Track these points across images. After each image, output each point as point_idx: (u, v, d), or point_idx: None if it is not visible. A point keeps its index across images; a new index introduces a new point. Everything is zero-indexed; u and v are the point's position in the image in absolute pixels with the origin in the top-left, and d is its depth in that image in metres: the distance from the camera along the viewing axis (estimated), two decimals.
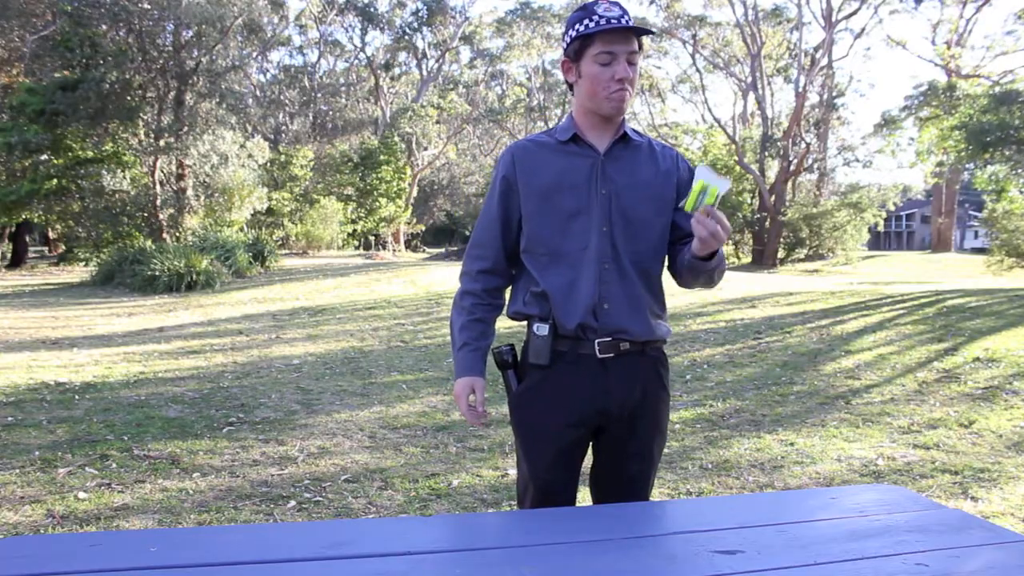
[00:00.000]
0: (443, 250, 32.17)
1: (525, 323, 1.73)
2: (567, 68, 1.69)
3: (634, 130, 1.75)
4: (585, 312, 1.64)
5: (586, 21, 1.60)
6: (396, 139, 29.60)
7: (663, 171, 1.72)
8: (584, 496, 1.88)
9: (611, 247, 1.65)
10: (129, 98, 17.37)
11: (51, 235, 29.20)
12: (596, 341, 1.64)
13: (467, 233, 38.36)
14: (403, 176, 30.38)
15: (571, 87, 1.72)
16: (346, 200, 28.05)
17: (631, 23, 1.60)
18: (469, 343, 1.74)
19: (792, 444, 4.05)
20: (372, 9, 34.16)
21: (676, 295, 10.47)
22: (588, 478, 1.82)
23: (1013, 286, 11.03)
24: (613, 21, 1.58)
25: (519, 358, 1.75)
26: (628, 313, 1.66)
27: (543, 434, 1.70)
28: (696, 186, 1.48)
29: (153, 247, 15.00)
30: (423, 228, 39.23)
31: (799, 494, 2.16)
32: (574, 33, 1.62)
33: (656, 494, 3.31)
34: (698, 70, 30.12)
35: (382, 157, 28.55)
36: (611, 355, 1.65)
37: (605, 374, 1.66)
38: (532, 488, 1.73)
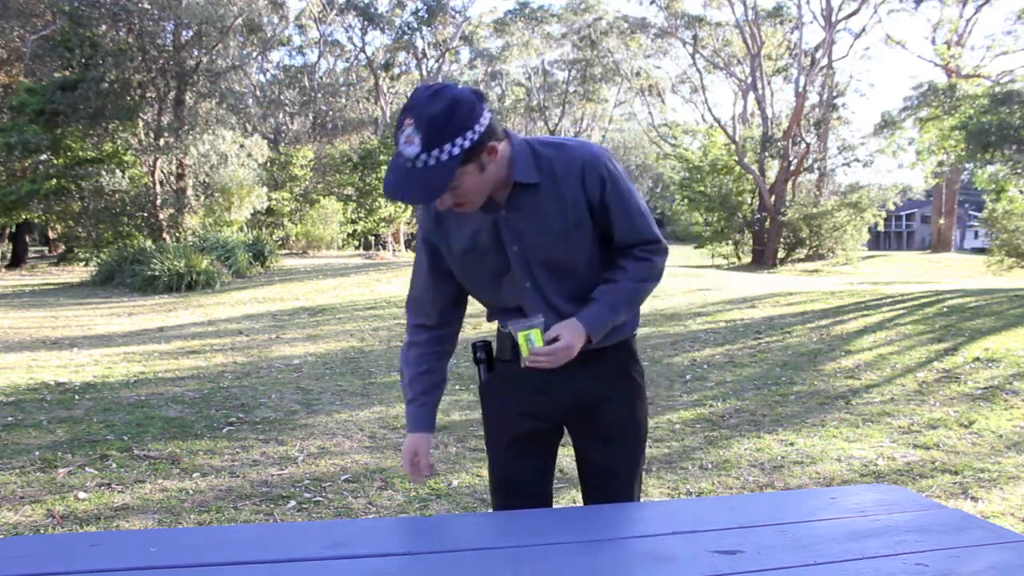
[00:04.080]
0: None
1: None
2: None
3: (533, 151, 1.53)
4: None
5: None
6: None
7: (571, 203, 1.54)
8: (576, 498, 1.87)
9: (543, 299, 1.60)
10: (129, 98, 17.38)
11: (51, 235, 29.22)
12: None
13: None
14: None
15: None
16: (346, 200, 28.04)
17: (433, 161, 1.36)
18: (417, 398, 1.70)
19: (792, 444, 4.05)
20: (372, 9, 34.16)
21: (676, 295, 10.47)
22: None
23: (1013, 286, 11.04)
24: (407, 165, 1.39)
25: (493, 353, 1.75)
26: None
27: (499, 422, 1.73)
28: (521, 341, 1.52)
29: (153, 247, 15.00)
30: None
31: (799, 494, 2.17)
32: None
33: (656, 494, 3.31)
34: (698, 70, 30.13)
35: (382, 157, 28.53)
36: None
37: (570, 370, 1.64)
38: (492, 476, 1.76)
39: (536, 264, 1.58)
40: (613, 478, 1.71)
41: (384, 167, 28.49)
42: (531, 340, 1.51)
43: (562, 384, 1.66)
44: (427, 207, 1.59)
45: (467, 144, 1.37)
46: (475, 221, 1.56)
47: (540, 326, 1.52)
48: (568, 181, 1.53)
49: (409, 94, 1.43)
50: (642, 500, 1.84)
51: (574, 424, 1.72)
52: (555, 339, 1.52)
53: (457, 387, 5.45)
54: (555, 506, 1.79)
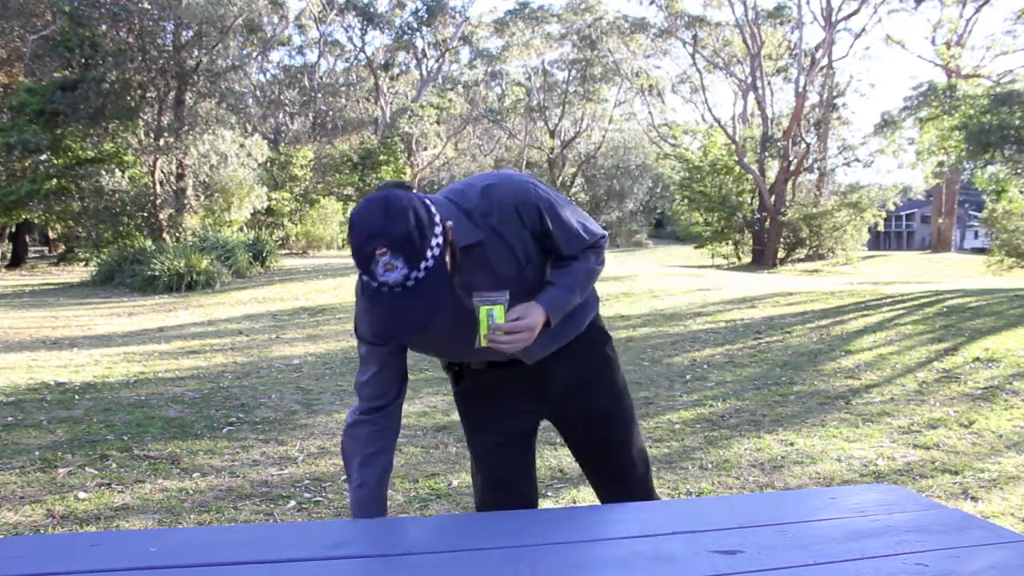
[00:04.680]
0: None
1: None
2: None
3: (462, 210, 1.48)
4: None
5: (363, 276, 1.36)
6: (396, 139, 29.59)
7: (518, 245, 1.53)
8: (576, 498, 1.87)
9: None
10: (129, 98, 17.38)
11: (51, 235, 29.22)
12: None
13: None
14: (403, 176, 30.38)
15: None
16: (346, 200, 28.05)
17: (416, 281, 1.31)
18: (366, 483, 1.56)
19: (792, 444, 4.05)
20: (372, 9, 34.16)
21: (676, 295, 10.47)
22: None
23: (1013, 286, 11.03)
24: (397, 290, 1.32)
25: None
26: (551, 343, 1.65)
27: (485, 424, 1.72)
28: (482, 315, 1.46)
29: (153, 247, 15.01)
30: None
31: (799, 494, 2.16)
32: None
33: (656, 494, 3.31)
34: (698, 70, 30.12)
35: (382, 157, 28.54)
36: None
37: (541, 368, 1.68)
38: (480, 478, 1.74)
39: None
40: (618, 448, 1.74)
41: (384, 167, 28.50)
42: (492, 315, 1.45)
43: (545, 378, 1.69)
44: (362, 297, 1.52)
45: (440, 238, 1.34)
46: None
47: (504, 303, 1.47)
48: (508, 225, 1.51)
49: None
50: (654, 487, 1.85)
51: (566, 413, 1.74)
52: (516, 319, 1.48)
53: None
54: (555, 506, 1.79)
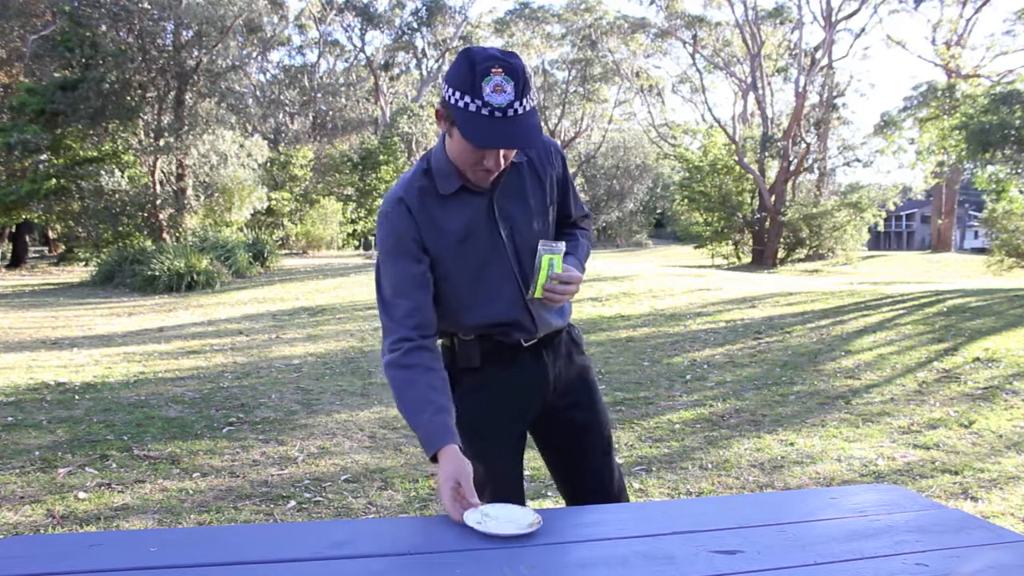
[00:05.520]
0: None
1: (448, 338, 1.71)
2: (440, 116, 1.46)
3: None
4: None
5: (467, 100, 1.36)
6: (396, 139, 29.61)
7: (547, 180, 1.63)
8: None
9: (519, 283, 1.60)
10: (129, 98, 17.39)
11: (51, 235, 29.24)
12: (521, 338, 1.66)
13: None
14: None
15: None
16: (346, 200, 28.06)
17: (523, 110, 1.37)
18: (443, 407, 1.48)
19: (792, 444, 4.05)
20: (372, 9, 34.18)
21: (676, 295, 10.47)
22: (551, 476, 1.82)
23: (1013, 286, 11.03)
24: (497, 114, 1.35)
25: (451, 364, 1.69)
26: (558, 318, 1.71)
27: (493, 433, 1.70)
28: (543, 263, 1.51)
29: (153, 247, 15.02)
30: None
31: (799, 494, 2.16)
32: (452, 99, 1.38)
33: (656, 494, 3.31)
34: (698, 70, 30.16)
35: (382, 157, 28.56)
36: (535, 342, 1.68)
37: (537, 364, 1.68)
38: (489, 487, 1.71)
39: (522, 249, 1.59)
40: (598, 435, 1.77)
41: (384, 167, 28.52)
42: (553, 265, 1.51)
43: (543, 378, 1.70)
44: (400, 207, 1.53)
45: (535, 103, 1.43)
46: (466, 207, 1.54)
47: (562, 253, 1.54)
48: (543, 159, 1.63)
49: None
50: (640, 496, 1.84)
51: (551, 415, 1.74)
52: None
53: None
54: (555, 506, 1.79)
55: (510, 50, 1.40)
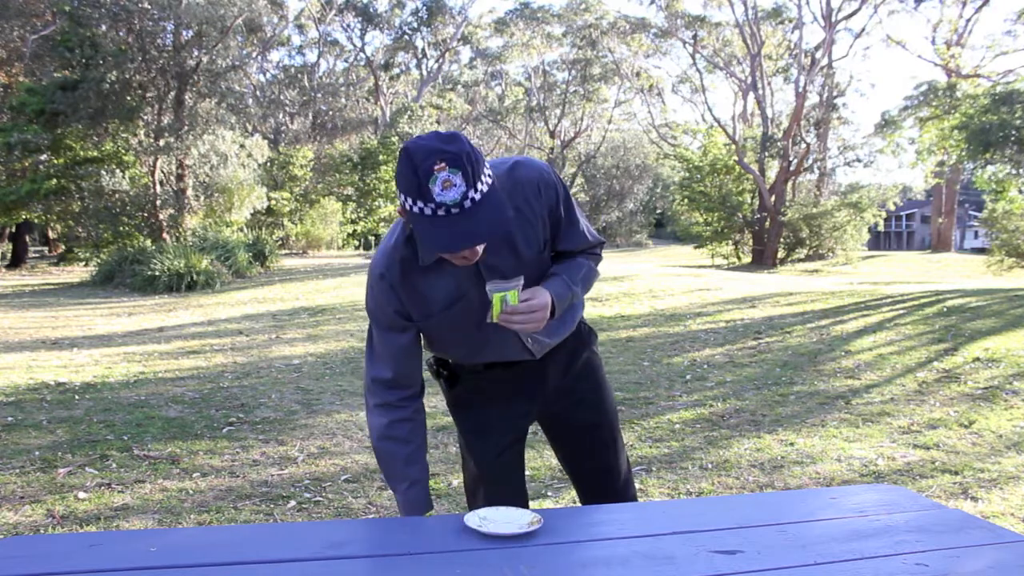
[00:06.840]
0: None
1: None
2: (402, 214, 1.39)
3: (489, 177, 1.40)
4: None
5: (420, 205, 1.29)
6: (395, 139, 29.60)
7: (538, 225, 1.55)
8: (576, 498, 1.87)
9: (523, 336, 1.61)
10: (129, 98, 17.37)
11: (51, 235, 29.23)
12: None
13: None
14: None
15: None
16: (346, 200, 28.06)
17: (480, 195, 1.29)
18: (419, 479, 1.58)
19: (792, 444, 4.05)
20: (372, 9, 34.17)
21: (676, 295, 10.47)
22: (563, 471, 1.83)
23: (1013, 286, 11.03)
24: (454, 211, 1.28)
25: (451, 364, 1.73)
26: (556, 333, 1.69)
27: (487, 431, 1.72)
28: (495, 300, 1.46)
29: (153, 247, 15.01)
30: None
31: (799, 494, 2.16)
32: (407, 204, 1.32)
33: (656, 494, 3.31)
34: (698, 70, 30.15)
35: (381, 157, 28.54)
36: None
37: (537, 364, 1.69)
38: (483, 485, 1.73)
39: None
40: (607, 435, 1.77)
41: (384, 167, 28.52)
42: (506, 301, 1.46)
43: (541, 376, 1.70)
44: (382, 283, 1.51)
45: (491, 179, 1.34)
46: (451, 275, 1.50)
47: (518, 288, 1.47)
48: (530, 205, 1.53)
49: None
50: (640, 496, 1.85)
51: (557, 410, 1.75)
52: (528, 299, 1.49)
53: None
54: (555, 506, 1.79)
55: (449, 132, 1.32)
